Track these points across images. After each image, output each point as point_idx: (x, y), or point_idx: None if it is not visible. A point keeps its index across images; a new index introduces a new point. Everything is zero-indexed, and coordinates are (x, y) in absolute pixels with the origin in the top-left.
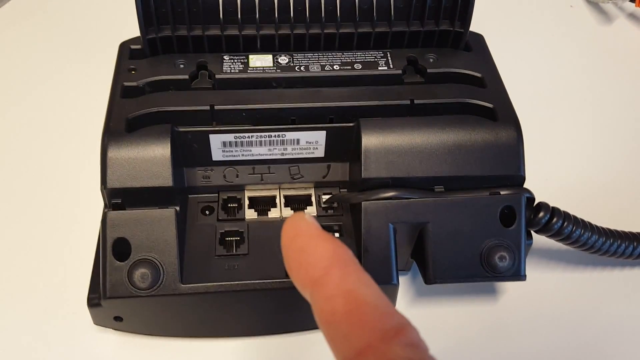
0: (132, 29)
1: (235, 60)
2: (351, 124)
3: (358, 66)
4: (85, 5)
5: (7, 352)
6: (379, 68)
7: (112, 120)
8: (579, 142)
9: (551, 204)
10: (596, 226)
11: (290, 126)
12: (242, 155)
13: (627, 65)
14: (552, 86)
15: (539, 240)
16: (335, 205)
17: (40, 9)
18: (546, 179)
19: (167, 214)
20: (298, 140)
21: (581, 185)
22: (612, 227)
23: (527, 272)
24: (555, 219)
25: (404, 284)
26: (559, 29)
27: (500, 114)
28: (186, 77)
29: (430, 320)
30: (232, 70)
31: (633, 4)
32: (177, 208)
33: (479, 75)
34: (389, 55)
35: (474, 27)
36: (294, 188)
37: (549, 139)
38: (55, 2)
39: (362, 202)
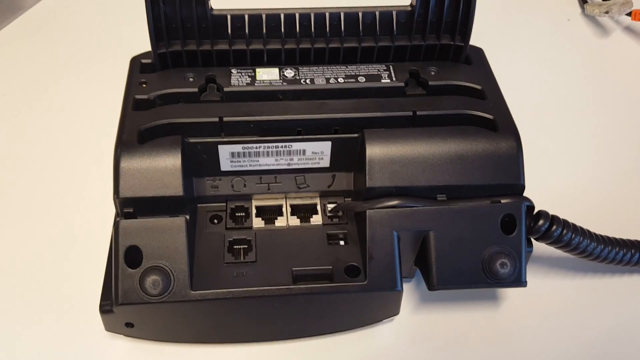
0: (142, 44)
1: (243, 74)
2: (356, 135)
3: (362, 79)
4: (97, 21)
5: (19, 359)
6: (382, 81)
7: (124, 132)
8: (577, 152)
9: (551, 213)
10: (595, 234)
11: (297, 137)
12: (250, 165)
13: (623, 78)
14: (550, 98)
15: (540, 248)
16: (340, 214)
17: (52, 24)
18: (545, 188)
19: (178, 223)
20: (304, 151)
21: (579, 194)
22: (611, 234)
23: (528, 279)
24: (554, 227)
25: (408, 291)
26: (557, 42)
27: (500, 124)
28: (195, 90)
29: (433, 326)
30: (239, 83)
31: (629, 18)
32: (187, 217)
33: (479, 87)
34: (391, 68)
35: (473, 40)
36: (300, 197)
37: (547, 150)
38: (66, 17)
39: (367, 211)
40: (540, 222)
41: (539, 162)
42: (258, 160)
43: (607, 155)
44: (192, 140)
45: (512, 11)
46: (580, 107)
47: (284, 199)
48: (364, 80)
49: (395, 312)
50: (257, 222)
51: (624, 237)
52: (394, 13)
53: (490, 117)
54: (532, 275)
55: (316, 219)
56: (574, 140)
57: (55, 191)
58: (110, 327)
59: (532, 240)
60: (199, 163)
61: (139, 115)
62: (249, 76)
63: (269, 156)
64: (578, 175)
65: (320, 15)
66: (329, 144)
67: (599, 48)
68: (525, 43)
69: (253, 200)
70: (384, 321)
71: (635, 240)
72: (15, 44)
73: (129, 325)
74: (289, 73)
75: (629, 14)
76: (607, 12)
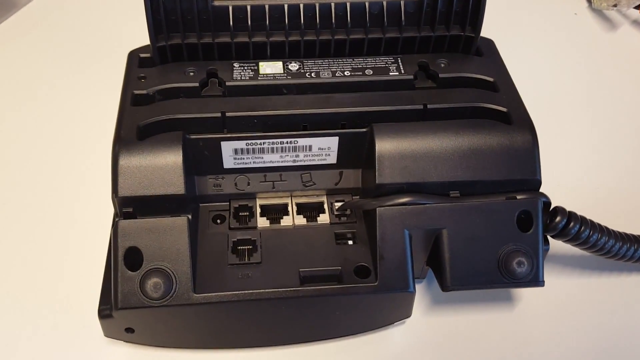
0: (140, 38)
1: (246, 68)
2: (364, 130)
3: (369, 72)
4: (92, 16)
5: None
6: (390, 73)
7: (122, 128)
8: (588, 145)
9: (567, 209)
10: (613, 230)
11: (303, 132)
12: (254, 162)
13: (631, 71)
14: (558, 91)
15: (556, 245)
16: (348, 212)
17: (47, 20)
18: (559, 183)
19: (179, 223)
20: (310, 147)
21: (595, 189)
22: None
23: (544, 278)
24: (572, 224)
25: (420, 292)
26: (564, 36)
27: (514, 117)
28: (196, 84)
29: (446, 329)
30: (242, 78)
31: (637, 11)
32: (189, 216)
33: (491, 79)
34: (399, 60)
35: (482, 33)
36: (306, 195)
37: (559, 143)
38: (63, 11)
39: (377, 209)
40: (558, 218)
41: (552, 157)
42: (262, 157)
43: (619, 149)
44: (193, 136)
45: (519, 5)
46: (589, 100)
47: (290, 198)
48: (372, 73)
49: (407, 314)
50: (262, 222)
51: None
52: (402, 3)
53: (504, 109)
54: (548, 274)
55: (323, 218)
56: (584, 133)
57: (51, 191)
58: (109, 333)
59: (549, 238)
60: (201, 160)
61: (137, 111)
62: (252, 70)
63: (273, 152)
64: (593, 170)
65: (325, 6)
66: (336, 139)
67: (606, 41)
68: (532, 37)
69: (257, 199)
70: (395, 324)
71: None
72: (9, 42)
73: (129, 330)
74: (294, 66)
75: (637, 7)
76: (615, 6)
